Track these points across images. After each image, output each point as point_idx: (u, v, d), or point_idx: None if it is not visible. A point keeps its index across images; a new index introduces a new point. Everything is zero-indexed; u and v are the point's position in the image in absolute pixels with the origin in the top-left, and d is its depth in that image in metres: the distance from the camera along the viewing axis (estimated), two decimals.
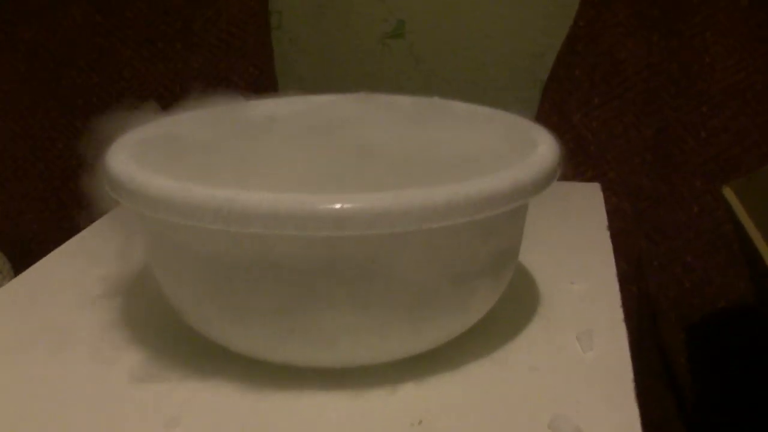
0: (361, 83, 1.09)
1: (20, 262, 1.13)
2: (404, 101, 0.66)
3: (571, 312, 0.58)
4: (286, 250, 0.44)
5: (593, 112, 0.91)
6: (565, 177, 0.83)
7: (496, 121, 0.60)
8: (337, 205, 0.41)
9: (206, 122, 0.60)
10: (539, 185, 0.47)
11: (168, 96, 1.06)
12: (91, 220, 0.76)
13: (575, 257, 0.68)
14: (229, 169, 0.57)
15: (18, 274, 0.93)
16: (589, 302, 0.60)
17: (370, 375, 0.49)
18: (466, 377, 0.50)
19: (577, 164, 0.93)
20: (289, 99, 0.67)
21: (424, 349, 0.50)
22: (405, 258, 0.45)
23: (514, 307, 0.58)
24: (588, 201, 0.85)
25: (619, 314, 0.58)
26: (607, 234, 0.73)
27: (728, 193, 0.75)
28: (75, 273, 0.65)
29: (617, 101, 0.91)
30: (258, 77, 1.01)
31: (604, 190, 0.86)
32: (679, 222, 0.92)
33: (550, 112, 0.92)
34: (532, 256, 0.64)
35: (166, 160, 0.52)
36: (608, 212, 0.81)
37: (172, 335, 0.54)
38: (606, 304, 0.60)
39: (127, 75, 1.07)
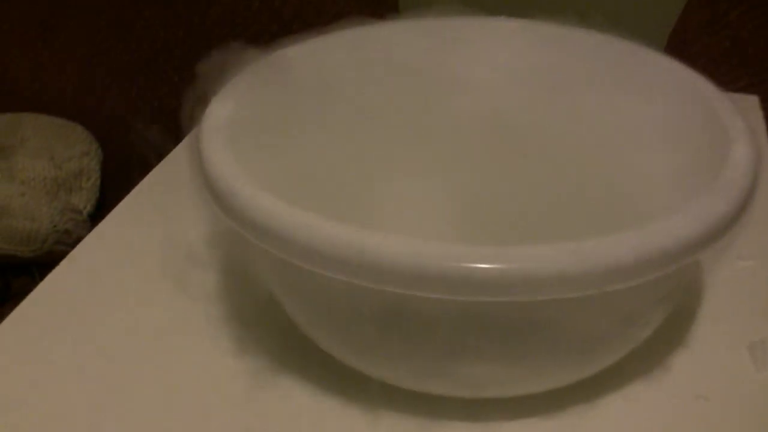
0: None
1: (107, 142, 1.07)
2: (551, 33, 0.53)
3: (739, 304, 0.49)
4: (430, 307, 0.35)
5: (753, 10, 0.77)
6: (718, 83, 0.72)
7: (668, 85, 0.48)
8: (499, 266, 0.32)
9: (313, 71, 0.50)
10: (740, 219, 0.37)
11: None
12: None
13: None
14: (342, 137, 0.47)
15: (105, 157, 0.87)
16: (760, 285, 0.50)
17: (517, 403, 0.42)
18: (620, 407, 0.43)
19: (730, 68, 0.80)
20: (406, 26, 0.56)
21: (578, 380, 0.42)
22: (572, 316, 0.36)
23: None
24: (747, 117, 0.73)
25: None
26: None
27: None
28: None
29: None
30: None
31: (762, 101, 0.75)
32: None
33: (701, 5, 0.78)
34: None
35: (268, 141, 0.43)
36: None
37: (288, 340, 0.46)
38: None
39: None
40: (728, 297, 0.50)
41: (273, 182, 0.41)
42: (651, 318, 0.40)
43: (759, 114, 0.73)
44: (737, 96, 0.75)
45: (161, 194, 0.59)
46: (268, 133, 0.46)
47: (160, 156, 0.70)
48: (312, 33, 0.53)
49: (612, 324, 0.38)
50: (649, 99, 0.48)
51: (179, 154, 0.64)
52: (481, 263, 0.33)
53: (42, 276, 0.93)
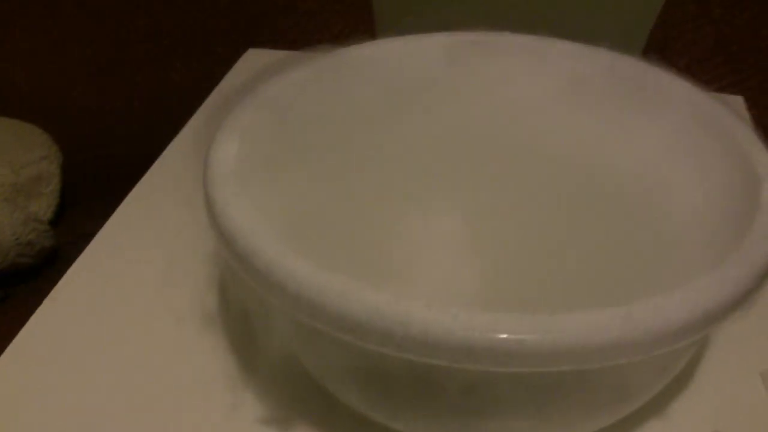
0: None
1: (67, 144, 1.03)
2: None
3: (749, 328, 0.48)
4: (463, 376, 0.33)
5: (738, 6, 0.77)
6: (700, 81, 0.71)
7: (682, 108, 0.46)
8: (548, 341, 0.31)
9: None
10: None
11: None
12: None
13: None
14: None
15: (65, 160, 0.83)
16: None
17: None
18: None
19: (714, 66, 0.79)
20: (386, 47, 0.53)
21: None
22: (610, 375, 0.35)
23: None
24: None
25: None
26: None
27: None
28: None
29: None
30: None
31: (747, 100, 0.74)
32: None
33: (688, 2, 0.77)
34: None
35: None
36: None
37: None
38: None
39: None
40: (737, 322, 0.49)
41: (289, 232, 0.39)
42: (682, 363, 0.39)
43: (745, 114, 0.73)
44: (723, 96, 0.75)
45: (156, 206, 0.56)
46: (277, 174, 0.43)
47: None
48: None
49: (646, 377, 0.37)
50: (671, 131, 0.46)
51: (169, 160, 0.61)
52: (531, 334, 0.31)
53: (4, 288, 0.90)
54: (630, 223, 0.44)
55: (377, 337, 0.32)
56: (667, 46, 0.79)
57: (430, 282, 0.42)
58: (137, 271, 0.51)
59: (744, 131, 0.43)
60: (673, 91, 0.47)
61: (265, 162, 0.42)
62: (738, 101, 0.74)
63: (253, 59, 0.78)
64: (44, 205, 0.96)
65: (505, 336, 0.31)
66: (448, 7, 0.74)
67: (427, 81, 0.50)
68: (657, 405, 0.44)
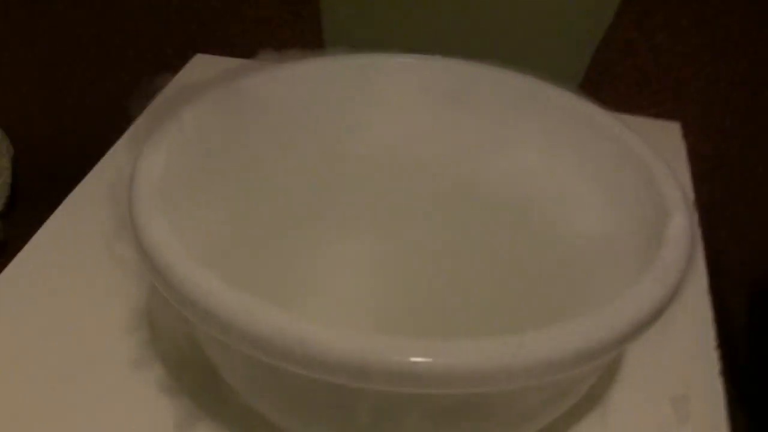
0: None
1: (18, 137, 1.03)
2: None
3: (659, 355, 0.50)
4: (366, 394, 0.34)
5: (680, 34, 0.78)
6: (639, 108, 0.73)
7: (603, 144, 0.48)
8: (441, 363, 0.32)
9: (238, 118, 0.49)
10: (674, 296, 0.38)
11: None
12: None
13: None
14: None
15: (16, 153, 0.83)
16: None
17: None
18: None
19: (653, 92, 0.81)
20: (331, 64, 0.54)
21: None
22: (506, 399, 0.36)
23: None
24: (666, 145, 0.74)
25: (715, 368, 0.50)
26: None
27: None
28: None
29: (710, 25, 0.78)
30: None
31: (684, 126, 0.76)
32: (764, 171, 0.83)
33: (629, 26, 0.79)
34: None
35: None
36: None
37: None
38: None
39: None
40: (648, 347, 0.50)
41: (206, 247, 0.40)
42: (584, 386, 0.41)
43: (680, 142, 0.74)
44: (659, 123, 0.76)
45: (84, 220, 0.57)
46: (199, 191, 0.44)
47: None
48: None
49: (544, 400, 0.38)
50: (584, 159, 0.48)
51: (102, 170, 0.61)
52: (424, 357, 0.32)
53: None
54: (537, 248, 0.45)
55: (279, 355, 0.33)
56: (608, 70, 0.81)
57: (338, 304, 0.43)
58: (70, 278, 0.52)
59: (657, 161, 0.45)
60: (587, 115, 0.49)
61: (188, 180, 0.43)
62: (675, 128, 0.75)
63: (200, 64, 0.78)
64: None
65: (398, 358, 0.32)
66: (391, 25, 0.76)
67: (338, 105, 0.52)
68: (565, 427, 0.45)
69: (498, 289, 0.44)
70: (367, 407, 0.36)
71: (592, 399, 0.46)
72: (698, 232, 0.41)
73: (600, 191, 0.47)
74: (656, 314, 0.36)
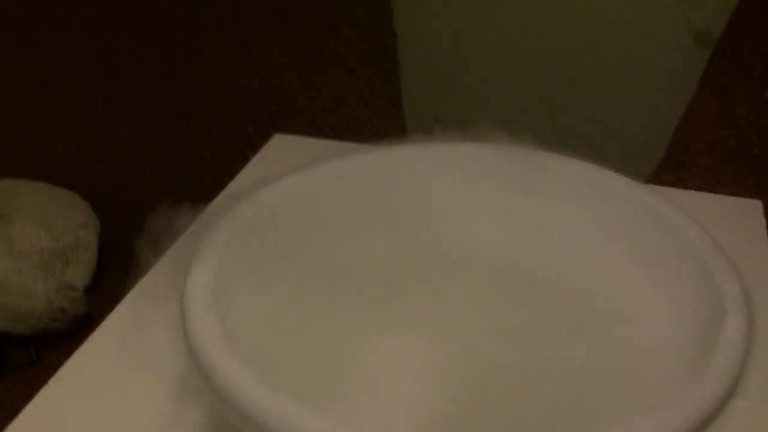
0: None
1: (105, 213, 1.07)
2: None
3: None
4: None
5: (763, 108, 0.76)
6: (721, 183, 0.70)
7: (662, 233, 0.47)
8: None
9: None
10: (723, 406, 0.36)
11: None
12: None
13: None
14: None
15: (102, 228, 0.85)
16: None
17: None
18: None
19: (736, 168, 0.78)
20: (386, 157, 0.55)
21: None
22: None
23: None
24: (745, 225, 0.72)
25: None
26: None
27: None
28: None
29: None
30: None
31: (765, 204, 0.73)
32: None
33: (710, 98, 0.77)
34: None
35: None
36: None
37: None
38: None
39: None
40: None
41: (254, 348, 0.40)
42: None
43: (761, 220, 0.72)
44: (740, 200, 0.74)
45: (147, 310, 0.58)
46: (251, 290, 0.45)
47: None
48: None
49: None
50: (642, 254, 0.47)
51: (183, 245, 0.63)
52: None
53: (37, 350, 0.93)
54: (594, 348, 0.44)
55: None
56: (689, 146, 0.79)
57: (383, 402, 0.43)
58: (138, 366, 0.53)
59: (719, 258, 0.44)
60: (657, 214, 0.48)
61: (241, 278, 0.44)
62: (756, 205, 0.73)
63: (280, 144, 0.80)
64: (80, 272, 0.99)
65: None
66: (472, 103, 0.76)
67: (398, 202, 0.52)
68: None
69: (550, 391, 0.43)
70: None
71: None
72: (753, 332, 0.39)
73: (656, 289, 0.46)
74: (702, 425, 0.35)
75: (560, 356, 0.45)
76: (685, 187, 0.78)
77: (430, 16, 0.76)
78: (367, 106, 0.88)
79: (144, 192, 1.04)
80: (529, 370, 0.45)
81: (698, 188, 0.75)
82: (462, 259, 0.50)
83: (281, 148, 0.79)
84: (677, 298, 0.44)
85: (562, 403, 0.42)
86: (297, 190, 0.51)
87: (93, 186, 1.06)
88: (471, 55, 0.77)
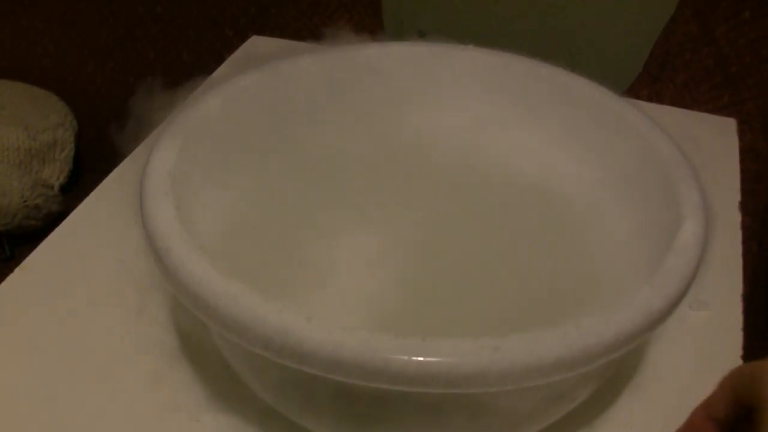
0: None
1: (82, 114, 1.06)
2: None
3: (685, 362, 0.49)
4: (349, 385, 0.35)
5: (742, 28, 0.76)
6: (696, 101, 0.71)
7: (625, 139, 0.47)
8: (415, 362, 0.32)
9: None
10: (672, 309, 0.37)
11: None
12: None
13: None
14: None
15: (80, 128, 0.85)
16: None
17: None
18: None
19: (713, 86, 0.78)
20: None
21: None
22: (491, 402, 0.36)
23: None
24: (718, 142, 0.72)
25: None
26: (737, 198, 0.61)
27: None
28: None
29: None
30: None
31: (740, 123, 0.73)
32: None
33: (690, 18, 0.76)
34: None
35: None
36: (740, 150, 0.69)
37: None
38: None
39: None
40: (673, 353, 0.49)
41: (210, 233, 0.41)
42: (579, 394, 0.40)
43: (734, 139, 0.72)
44: (714, 118, 0.74)
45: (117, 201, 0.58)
46: (214, 179, 0.45)
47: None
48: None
49: (536, 404, 0.38)
50: (608, 158, 0.47)
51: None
52: (399, 355, 0.32)
53: (11, 247, 0.93)
54: (553, 249, 0.44)
55: (260, 343, 0.34)
56: (667, 62, 0.79)
57: (343, 296, 0.44)
58: (105, 253, 0.53)
59: (683, 165, 0.44)
60: (624, 120, 0.48)
61: (205, 166, 0.44)
62: (730, 124, 0.73)
63: (256, 46, 0.79)
64: (56, 171, 0.99)
65: (372, 355, 0.32)
66: (450, 10, 0.75)
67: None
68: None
69: (508, 288, 0.43)
70: (351, 399, 0.37)
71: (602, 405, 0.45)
72: (709, 239, 0.39)
73: (618, 192, 0.46)
74: (651, 325, 0.36)
75: (518, 256, 0.45)
76: (661, 103, 0.78)
77: None
78: (346, 10, 0.87)
79: (122, 93, 1.03)
80: (486, 268, 0.45)
81: (674, 105, 0.75)
82: (422, 157, 0.50)
83: (256, 50, 0.79)
84: (639, 204, 0.45)
85: (516, 302, 0.43)
86: (262, 84, 0.50)
87: (71, 87, 1.05)
88: None
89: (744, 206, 0.62)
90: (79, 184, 1.06)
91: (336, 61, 0.52)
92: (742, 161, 0.68)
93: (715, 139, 0.71)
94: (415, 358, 0.32)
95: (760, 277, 0.84)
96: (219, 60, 0.77)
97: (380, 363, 0.32)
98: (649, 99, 0.80)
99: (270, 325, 0.34)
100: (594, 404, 0.45)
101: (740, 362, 0.49)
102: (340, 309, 0.42)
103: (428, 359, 0.32)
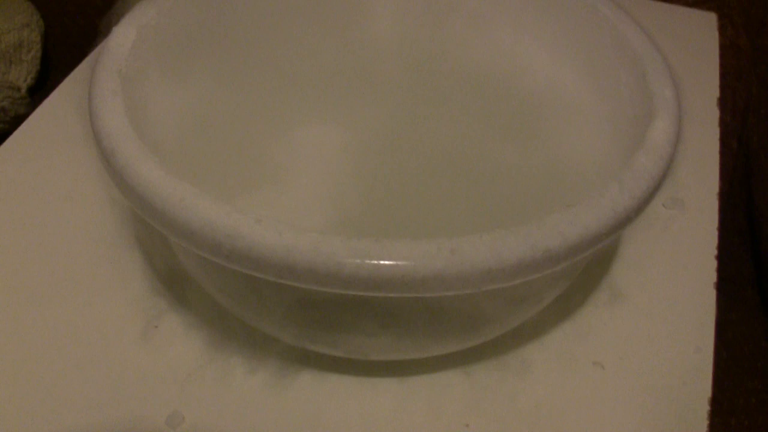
0: None
1: (48, 13, 1.03)
2: None
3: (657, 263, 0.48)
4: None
5: None
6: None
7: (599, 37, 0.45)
8: (369, 265, 0.31)
9: None
10: (642, 208, 0.35)
11: None
12: None
13: None
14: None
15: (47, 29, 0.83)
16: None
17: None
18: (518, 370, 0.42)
19: None
20: None
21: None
22: (451, 304, 0.35)
23: None
24: (698, 37, 0.70)
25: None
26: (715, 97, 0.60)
27: None
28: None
29: None
30: None
31: (721, 17, 0.71)
32: None
33: None
34: None
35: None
36: (721, 46, 0.67)
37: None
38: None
39: None
40: (646, 252, 0.48)
41: (166, 133, 0.39)
42: (545, 296, 0.39)
43: (714, 34, 0.70)
44: (695, 12, 0.72)
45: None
46: (170, 72, 0.43)
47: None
48: None
49: (499, 307, 0.37)
50: (577, 51, 0.45)
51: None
52: (351, 259, 0.31)
53: None
54: (520, 147, 0.43)
55: (208, 247, 0.32)
56: None
57: (300, 194, 0.42)
58: (68, 153, 0.52)
59: (656, 60, 0.42)
60: (591, 7, 0.46)
61: (158, 62, 0.42)
62: (711, 18, 0.71)
63: None
64: (23, 73, 0.96)
65: (324, 258, 0.31)
66: None
67: None
68: (540, 333, 0.44)
69: (474, 186, 0.42)
70: (307, 304, 0.36)
71: (567, 307, 0.45)
72: (678, 139, 0.38)
73: (590, 87, 0.44)
74: (618, 225, 0.34)
75: (486, 153, 0.44)
76: None
77: None
78: None
79: None
80: (451, 165, 0.44)
81: None
82: (387, 52, 0.48)
83: None
84: (610, 100, 0.43)
85: (482, 201, 0.42)
86: None
87: None
88: None
89: (723, 103, 0.61)
90: (47, 86, 1.03)
91: None
92: (723, 57, 0.67)
93: (694, 34, 0.69)
94: (369, 261, 0.31)
95: (740, 174, 0.83)
96: None
97: (333, 267, 0.31)
98: None
99: (218, 229, 0.32)
100: (562, 306, 0.44)
101: (714, 262, 0.48)
102: (297, 208, 0.40)
103: (382, 262, 0.31)
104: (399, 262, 0.31)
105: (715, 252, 0.48)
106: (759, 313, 0.80)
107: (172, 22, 0.45)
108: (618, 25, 0.44)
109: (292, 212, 0.40)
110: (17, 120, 0.93)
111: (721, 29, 0.68)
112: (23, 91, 0.97)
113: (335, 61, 0.47)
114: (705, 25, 0.69)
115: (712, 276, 0.47)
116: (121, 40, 0.42)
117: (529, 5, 0.48)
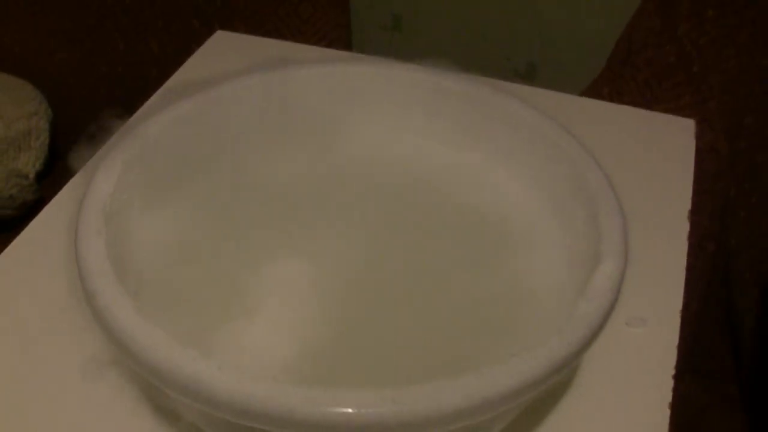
0: None
1: (56, 102, 1.07)
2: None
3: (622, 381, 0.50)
4: None
5: (705, 26, 0.76)
6: (657, 99, 0.71)
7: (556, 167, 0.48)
8: (318, 412, 0.34)
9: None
10: (581, 352, 0.38)
11: None
12: None
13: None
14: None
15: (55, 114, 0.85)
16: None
17: None
18: None
19: (674, 84, 0.79)
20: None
21: None
22: None
23: None
24: (675, 144, 0.72)
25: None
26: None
27: None
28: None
29: (736, 18, 0.75)
30: None
31: (699, 121, 0.74)
32: None
33: (653, 14, 0.77)
34: None
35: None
36: (699, 150, 0.69)
37: None
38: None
39: None
40: (605, 372, 0.50)
41: (148, 261, 0.42)
42: (496, 425, 0.42)
43: (692, 140, 0.72)
44: (673, 119, 0.74)
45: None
46: (152, 201, 0.46)
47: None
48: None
49: None
50: (541, 180, 0.48)
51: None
52: (302, 406, 0.34)
53: None
54: (487, 274, 0.46)
55: (176, 389, 0.36)
56: (629, 60, 0.79)
57: (269, 328, 0.45)
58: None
59: (610, 201, 0.45)
60: (553, 140, 0.49)
61: (141, 197, 0.45)
62: (689, 125, 0.73)
63: (221, 41, 0.80)
64: (31, 160, 1.00)
65: (278, 405, 0.34)
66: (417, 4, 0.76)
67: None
68: None
69: (439, 316, 0.45)
70: None
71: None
72: (621, 283, 0.40)
73: (550, 219, 0.47)
74: (555, 372, 0.37)
75: (452, 283, 0.46)
76: (621, 101, 0.78)
77: None
78: (310, 4, 0.87)
79: (94, 81, 1.04)
80: (419, 296, 0.47)
81: (634, 103, 0.75)
82: (358, 178, 0.51)
83: (222, 46, 0.80)
84: (567, 233, 0.46)
85: (446, 331, 0.44)
86: (198, 110, 0.51)
87: (45, 76, 1.06)
88: None
89: (701, 206, 0.62)
90: (54, 171, 1.07)
91: (272, 83, 0.53)
92: (703, 161, 0.69)
93: (671, 141, 0.71)
94: (317, 409, 0.34)
95: (718, 276, 0.86)
96: (186, 50, 0.78)
97: (286, 412, 0.34)
98: (611, 97, 0.80)
99: (185, 374, 0.35)
100: (520, 425, 0.46)
101: (671, 381, 0.50)
102: (265, 340, 0.43)
103: (330, 410, 0.34)
104: (345, 410, 0.34)
105: (673, 371, 0.49)
106: (738, 408, 0.81)
107: (156, 155, 0.48)
108: (578, 163, 0.47)
109: (261, 343, 0.43)
110: (25, 206, 0.97)
111: (701, 134, 0.70)
112: (31, 177, 1.01)
113: (308, 190, 0.50)
114: (683, 132, 0.71)
115: (668, 396, 0.48)
116: (108, 174, 0.46)
117: (497, 137, 0.51)
